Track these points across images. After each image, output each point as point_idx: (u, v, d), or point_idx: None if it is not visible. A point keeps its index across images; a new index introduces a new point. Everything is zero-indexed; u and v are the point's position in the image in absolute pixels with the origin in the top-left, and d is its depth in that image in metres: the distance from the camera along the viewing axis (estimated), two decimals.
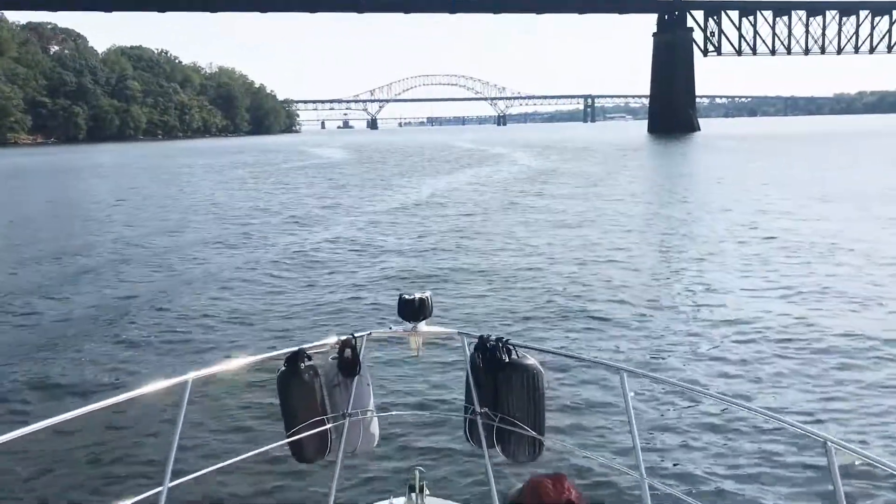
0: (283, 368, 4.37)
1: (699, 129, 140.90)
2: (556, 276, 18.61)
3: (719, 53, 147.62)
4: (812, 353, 11.83)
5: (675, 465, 8.00)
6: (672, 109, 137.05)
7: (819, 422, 8.90)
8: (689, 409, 9.33)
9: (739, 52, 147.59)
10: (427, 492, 4.33)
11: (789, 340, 12.48)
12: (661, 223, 27.15)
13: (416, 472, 4.37)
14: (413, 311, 4.51)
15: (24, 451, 8.13)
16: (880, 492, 7.15)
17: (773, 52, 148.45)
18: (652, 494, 3.79)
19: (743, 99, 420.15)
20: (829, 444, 3.09)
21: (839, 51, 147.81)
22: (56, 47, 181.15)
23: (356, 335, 4.57)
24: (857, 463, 6.96)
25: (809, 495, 7.27)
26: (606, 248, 22.30)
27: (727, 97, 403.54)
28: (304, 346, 4.49)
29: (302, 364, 4.36)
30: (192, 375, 3.87)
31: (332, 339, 4.53)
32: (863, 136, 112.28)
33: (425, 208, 33.30)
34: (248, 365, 4.61)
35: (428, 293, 4.58)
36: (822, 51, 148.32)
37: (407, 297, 4.55)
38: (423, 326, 4.55)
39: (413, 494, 4.29)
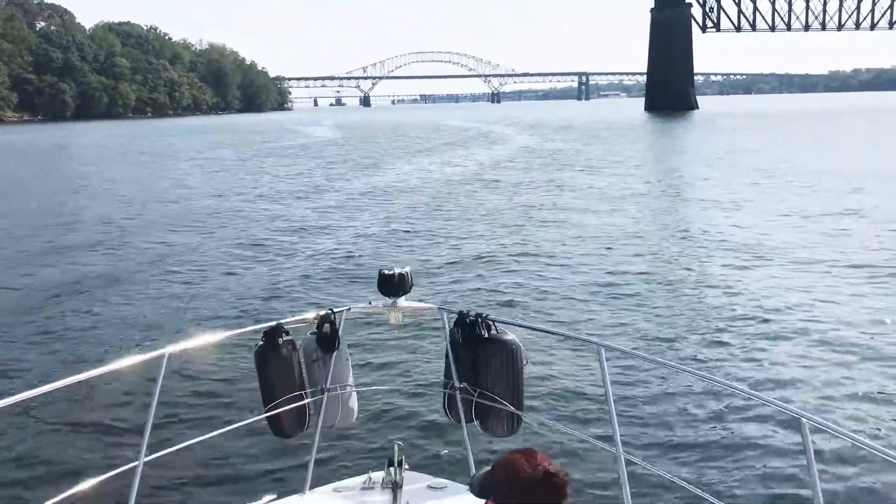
0: (261, 343, 4.47)
1: (697, 108, 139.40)
2: (536, 252, 18.73)
3: (718, 30, 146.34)
4: (789, 330, 11.97)
5: (651, 439, 8.13)
6: (670, 87, 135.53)
7: (794, 398, 9.03)
8: (665, 385, 9.46)
9: (739, 29, 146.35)
10: (406, 466, 4.46)
11: (766, 318, 12.62)
12: (646, 204, 27.16)
13: (395, 447, 4.49)
14: (393, 286, 4.60)
15: None
16: (852, 467, 7.28)
17: (772, 28, 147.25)
18: (628, 468, 3.91)
19: (738, 76, 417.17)
20: (804, 420, 3.19)
21: (840, 27, 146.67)
22: (42, 23, 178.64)
23: (335, 310, 4.66)
24: (830, 438, 7.10)
25: (783, 470, 7.40)
26: (589, 227, 22.37)
27: (722, 74, 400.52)
28: (283, 320, 4.58)
29: (280, 339, 4.46)
30: (168, 350, 3.95)
31: (311, 314, 4.62)
32: (863, 114, 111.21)
33: (412, 190, 32.98)
34: (225, 339, 4.70)
35: (408, 268, 4.67)
36: (823, 27, 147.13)
37: (387, 272, 4.63)
38: (402, 301, 4.64)
39: (392, 469, 4.41)
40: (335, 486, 4.65)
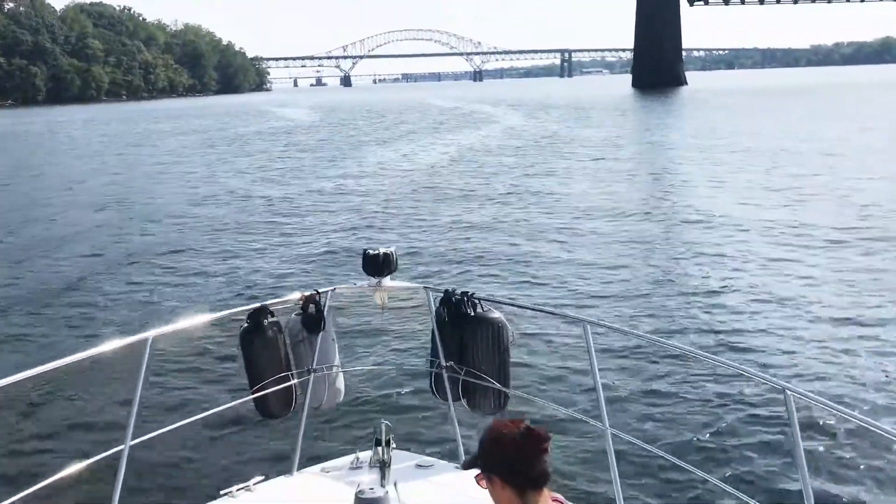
0: (246, 324, 4.52)
1: (686, 83, 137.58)
2: (521, 231, 18.94)
3: (706, 3, 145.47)
4: (773, 303, 12.22)
5: (637, 414, 8.30)
6: (658, 63, 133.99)
7: (778, 370, 9.20)
8: (651, 360, 9.65)
9: (727, 2, 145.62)
10: (393, 445, 4.50)
11: (750, 292, 12.88)
12: (634, 184, 27.29)
13: (382, 426, 4.53)
14: (377, 266, 4.64)
15: None
16: (836, 436, 7.48)
17: (761, 0, 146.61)
18: (614, 442, 3.99)
19: (720, 51, 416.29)
20: (788, 391, 3.27)
21: None
22: (10, 4, 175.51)
23: (320, 291, 4.71)
24: (813, 409, 7.25)
25: (768, 441, 7.58)
26: (575, 206, 22.54)
27: (704, 49, 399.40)
28: (268, 301, 4.63)
29: (265, 320, 4.52)
30: (152, 333, 4.00)
31: (296, 295, 4.66)
32: (852, 88, 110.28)
33: (396, 175, 32.29)
34: (210, 321, 4.75)
35: (393, 248, 4.72)
36: None
37: (371, 251, 4.68)
38: (387, 281, 4.69)
39: (379, 448, 4.45)
40: (323, 467, 4.71)
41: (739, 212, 20.49)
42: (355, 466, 4.61)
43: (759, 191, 23.98)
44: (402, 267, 5.05)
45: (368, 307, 10.26)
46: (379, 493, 4.01)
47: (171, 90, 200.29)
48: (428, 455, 4.88)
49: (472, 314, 4.48)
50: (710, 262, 15.04)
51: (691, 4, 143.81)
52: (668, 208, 21.59)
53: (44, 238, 20.41)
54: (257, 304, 4.57)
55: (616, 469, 3.96)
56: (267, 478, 4.53)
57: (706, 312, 11.82)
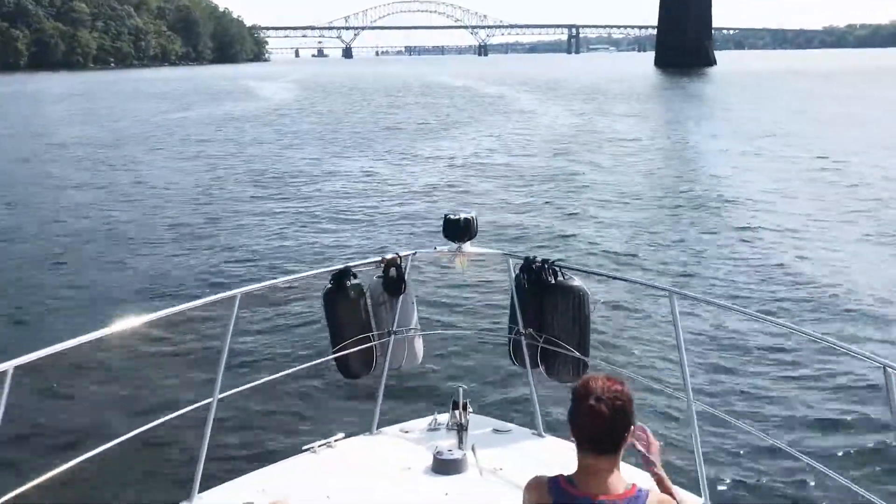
0: (330, 285, 4.80)
1: (715, 63, 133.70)
2: (603, 198, 19.53)
3: None
4: (868, 278, 12.31)
5: (723, 388, 8.44)
6: (684, 40, 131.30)
7: (877, 347, 9.18)
8: (739, 333, 9.77)
9: None
10: (470, 409, 4.76)
11: (845, 266, 13.02)
12: (720, 159, 27.50)
13: (460, 390, 4.81)
14: (458, 231, 4.87)
15: (75, 364, 8.56)
16: None
17: None
18: (699, 417, 4.16)
19: (729, 30, 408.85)
20: (888, 369, 3.30)
21: None
22: None
23: (401, 254, 4.96)
24: None
25: (865, 421, 7.67)
26: (658, 173, 23.18)
27: (713, 29, 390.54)
28: (350, 264, 4.86)
29: (348, 282, 4.80)
30: (240, 291, 4.27)
31: (378, 258, 4.86)
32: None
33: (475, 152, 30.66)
34: (294, 281, 4.97)
35: (473, 213, 4.91)
36: None
37: (452, 217, 4.89)
38: (468, 247, 4.93)
39: (456, 412, 4.72)
40: (402, 427, 4.97)
41: (833, 190, 20.71)
42: (433, 428, 4.85)
43: (854, 175, 23.40)
44: (483, 232, 5.21)
45: (448, 272, 10.62)
46: (457, 455, 4.34)
47: (163, 58, 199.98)
48: (505, 420, 5.11)
49: (553, 282, 4.62)
50: (804, 237, 15.31)
51: None
52: (756, 186, 21.64)
53: (138, 201, 21.38)
54: (341, 266, 4.80)
55: (700, 444, 4.06)
56: (348, 435, 4.79)
57: (798, 285, 11.96)
